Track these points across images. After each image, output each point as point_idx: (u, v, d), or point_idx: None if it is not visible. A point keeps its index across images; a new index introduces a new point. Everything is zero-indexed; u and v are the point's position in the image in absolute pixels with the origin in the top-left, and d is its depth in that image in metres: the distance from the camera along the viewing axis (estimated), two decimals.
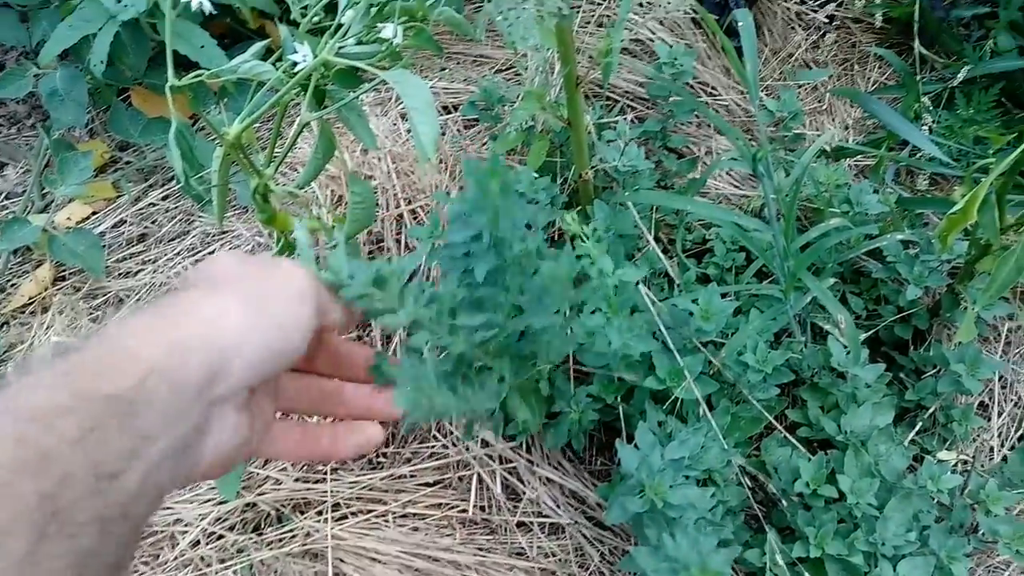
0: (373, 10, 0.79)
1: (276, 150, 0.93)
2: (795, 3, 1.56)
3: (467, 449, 0.96)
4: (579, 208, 1.10)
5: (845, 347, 0.93)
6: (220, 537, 0.98)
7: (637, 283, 1.04)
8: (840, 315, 0.90)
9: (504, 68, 1.33)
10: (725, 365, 0.88)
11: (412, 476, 1.00)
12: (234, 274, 0.39)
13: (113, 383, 0.30)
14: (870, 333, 1.07)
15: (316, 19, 0.80)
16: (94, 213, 1.33)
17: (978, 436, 1.05)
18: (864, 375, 0.91)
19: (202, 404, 0.33)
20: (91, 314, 1.19)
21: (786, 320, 0.97)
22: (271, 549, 0.96)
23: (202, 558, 0.97)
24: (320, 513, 0.99)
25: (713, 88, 1.39)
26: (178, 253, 1.22)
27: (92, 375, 0.30)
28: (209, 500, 1.01)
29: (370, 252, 1.07)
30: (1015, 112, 1.43)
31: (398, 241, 1.05)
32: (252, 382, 0.36)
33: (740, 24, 1.10)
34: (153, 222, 1.28)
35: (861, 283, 1.14)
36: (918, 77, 1.49)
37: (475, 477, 0.97)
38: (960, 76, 1.42)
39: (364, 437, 0.44)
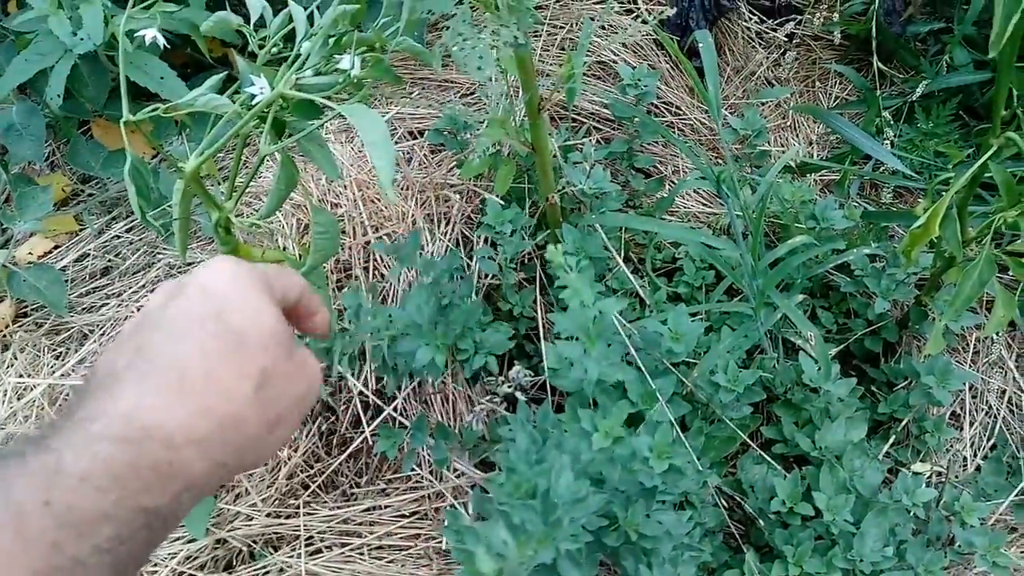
0: (331, 40, 0.79)
1: (238, 181, 0.92)
2: (755, 22, 1.58)
3: (441, 479, 0.94)
4: (547, 231, 1.10)
5: (816, 362, 0.93)
6: None
7: None
8: (809, 332, 0.90)
9: (469, 93, 1.33)
10: (697, 386, 0.88)
11: (388, 508, 0.98)
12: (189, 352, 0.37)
13: (154, 498, 0.33)
14: (841, 347, 1.08)
15: (275, 50, 0.79)
16: (56, 247, 1.30)
17: (951, 447, 1.05)
18: (836, 390, 0.91)
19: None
20: (54, 351, 1.16)
21: (757, 337, 0.98)
22: None
23: None
24: (294, 548, 0.96)
25: (677, 107, 1.40)
26: (143, 286, 1.19)
27: (137, 488, 0.32)
28: (178, 539, 0.99)
29: (338, 281, 1.05)
30: (973, 124, 1.45)
31: (366, 269, 1.04)
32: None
33: (701, 45, 1.11)
34: (117, 255, 1.26)
35: (830, 297, 1.15)
36: (878, 92, 1.52)
37: (448, 510, 0.95)
38: (919, 91, 1.45)
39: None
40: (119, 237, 1.28)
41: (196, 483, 0.34)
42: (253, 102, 0.73)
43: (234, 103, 0.74)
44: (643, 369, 0.85)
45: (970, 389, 1.10)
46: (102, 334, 1.14)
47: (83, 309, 1.19)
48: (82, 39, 1.08)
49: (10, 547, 0.29)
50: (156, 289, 0.40)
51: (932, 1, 1.56)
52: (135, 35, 0.80)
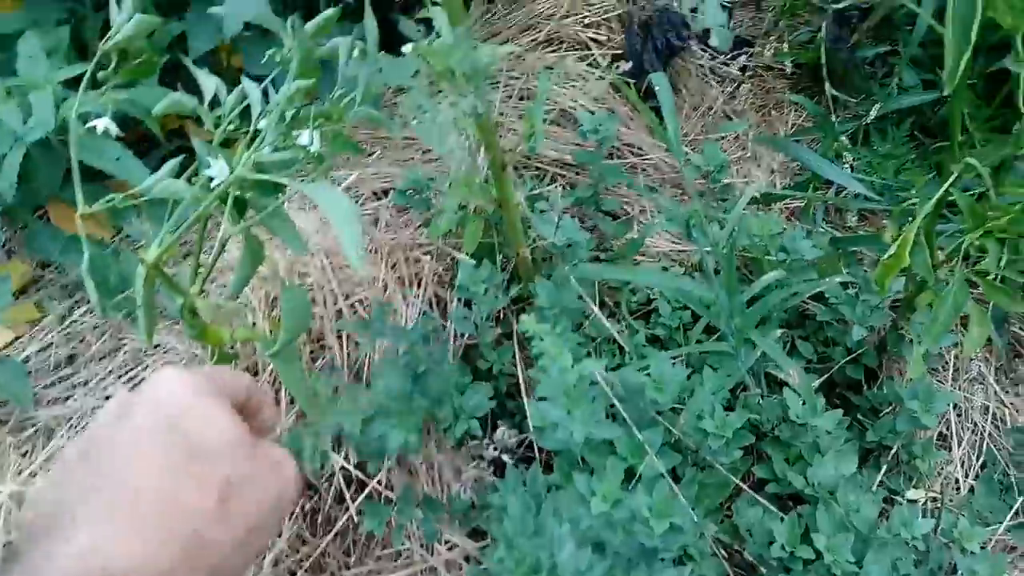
0: (288, 115, 0.78)
1: (202, 260, 0.90)
2: (707, 59, 1.61)
3: (433, 553, 0.91)
4: (521, 284, 1.09)
5: (801, 397, 0.92)
6: None
7: (589, 354, 1.03)
8: (791, 368, 0.89)
9: (431, 150, 1.32)
10: (685, 433, 0.87)
11: None
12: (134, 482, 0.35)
13: None
14: (823, 377, 1.08)
15: (231, 127, 0.78)
16: (17, 338, 1.26)
17: (942, 469, 1.05)
18: (823, 424, 0.90)
19: None
20: (19, 448, 1.12)
21: (740, 376, 0.97)
22: None
23: None
24: None
25: (639, 148, 1.41)
26: (110, 372, 1.16)
27: None
28: None
29: (311, 352, 1.03)
30: (929, 143, 1.48)
31: (339, 338, 1.02)
32: None
33: (657, 88, 1.13)
34: (81, 341, 1.22)
35: (807, 327, 1.15)
36: (833, 117, 1.54)
37: None
38: (872, 114, 1.48)
39: None
40: (82, 322, 1.24)
41: None
42: (212, 184, 0.71)
43: (192, 184, 0.73)
44: (628, 422, 0.84)
45: (954, 408, 1.10)
46: (69, 427, 1.10)
47: (49, 402, 1.15)
48: (32, 126, 1.06)
49: None
50: (97, 413, 0.38)
51: (877, 26, 1.60)
52: (87, 121, 0.78)
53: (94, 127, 0.78)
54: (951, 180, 0.79)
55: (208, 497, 0.34)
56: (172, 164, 0.75)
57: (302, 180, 0.67)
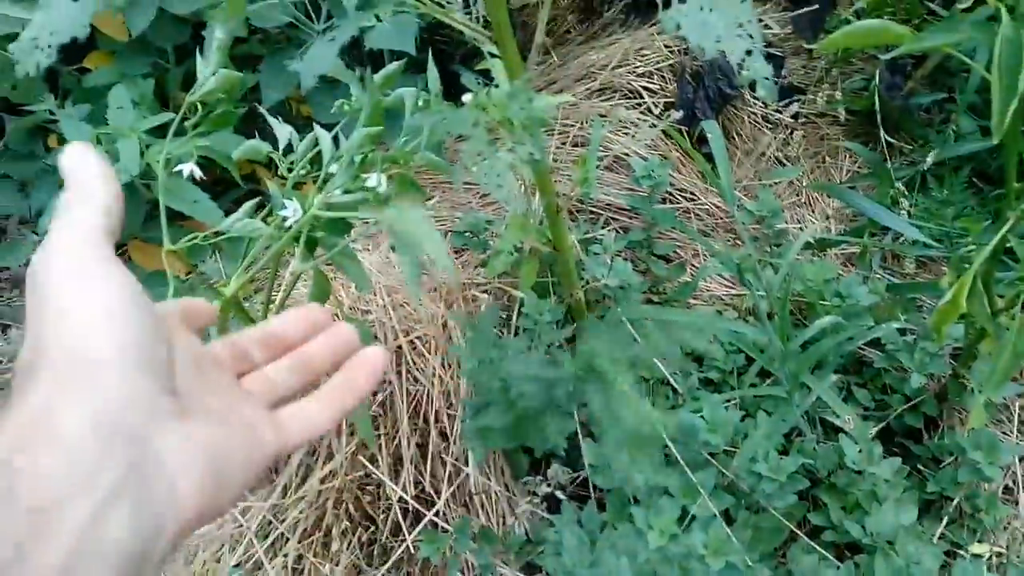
0: (357, 159, 0.83)
1: (273, 296, 0.95)
2: (760, 106, 1.63)
3: None
4: (575, 323, 1.11)
5: (857, 444, 0.91)
6: None
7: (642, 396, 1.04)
8: (847, 414, 0.89)
9: (489, 193, 1.37)
10: (739, 476, 0.87)
11: None
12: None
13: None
14: (881, 425, 1.06)
15: (302, 171, 0.83)
16: None
17: (1009, 524, 1.02)
18: (881, 472, 0.89)
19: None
20: None
21: (794, 420, 0.97)
22: None
23: None
24: None
25: (692, 193, 1.43)
26: None
27: None
28: None
29: None
30: (988, 189, 1.46)
31: (399, 374, 1.05)
32: None
33: (709, 135, 1.15)
34: None
35: (864, 373, 1.14)
36: (889, 164, 1.54)
37: None
38: (929, 160, 1.47)
39: (369, 361, 0.40)
40: None
41: None
42: (286, 224, 0.76)
43: (267, 224, 0.78)
44: (683, 463, 0.84)
45: (1021, 461, 1.07)
46: None
47: None
48: (120, 171, 1.13)
49: None
50: None
51: (931, 73, 1.60)
52: (171, 166, 0.84)
53: (179, 171, 0.85)
54: (1008, 226, 0.79)
55: None
56: (249, 205, 0.81)
57: (370, 221, 0.71)
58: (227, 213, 0.81)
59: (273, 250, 0.75)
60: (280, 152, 0.84)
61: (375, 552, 0.95)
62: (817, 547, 0.89)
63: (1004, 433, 1.10)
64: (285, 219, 0.77)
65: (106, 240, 0.32)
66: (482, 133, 0.85)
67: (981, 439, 0.93)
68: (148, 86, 1.32)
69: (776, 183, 1.53)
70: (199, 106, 0.80)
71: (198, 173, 0.85)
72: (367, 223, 1.38)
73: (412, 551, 0.93)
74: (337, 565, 0.90)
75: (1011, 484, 1.05)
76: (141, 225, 1.30)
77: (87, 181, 0.33)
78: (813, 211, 1.52)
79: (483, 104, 0.87)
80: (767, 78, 0.51)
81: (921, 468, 1.04)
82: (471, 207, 1.33)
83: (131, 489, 0.27)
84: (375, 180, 0.80)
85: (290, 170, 0.81)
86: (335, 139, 0.83)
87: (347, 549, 0.93)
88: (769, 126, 1.62)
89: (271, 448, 0.35)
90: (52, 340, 0.29)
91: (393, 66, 0.84)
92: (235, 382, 0.37)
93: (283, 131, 0.85)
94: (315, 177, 0.80)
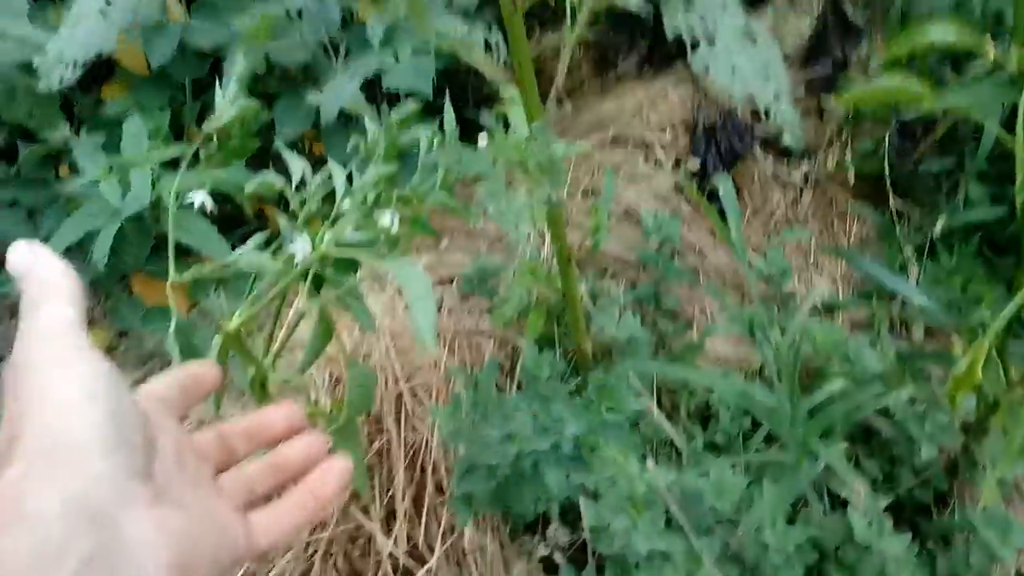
0: (371, 197, 0.82)
1: (276, 335, 0.93)
2: (770, 165, 1.64)
3: None
4: (580, 376, 1.09)
5: (865, 517, 0.89)
6: None
7: (644, 456, 1.01)
8: (856, 483, 0.87)
9: (499, 239, 1.36)
10: (744, 545, 0.84)
11: None
12: None
13: None
14: (891, 499, 1.03)
15: (315, 208, 0.82)
16: None
17: None
18: (890, 547, 0.86)
19: None
20: None
21: (801, 489, 0.94)
22: None
23: None
24: None
25: (701, 249, 1.42)
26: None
27: None
28: None
29: (368, 434, 1.04)
30: (997, 259, 1.46)
31: (398, 421, 1.03)
32: None
33: (721, 191, 1.15)
34: None
35: (872, 443, 1.11)
36: (897, 230, 1.54)
37: None
38: (938, 227, 1.47)
39: (336, 471, 0.43)
40: None
41: None
42: (295, 260, 0.75)
43: (275, 260, 0.77)
44: (685, 529, 0.82)
45: None
46: None
47: None
48: (129, 202, 1.13)
49: None
50: None
51: (942, 139, 1.61)
52: (181, 198, 0.83)
53: (191, 203, 0.84)
54: (1022, 295, 0.78)
55: None
56: (257, 239, 0.80)
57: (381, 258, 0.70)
58: (234, 248, 0.80)
59: (279, 287, 0.74)
60: (292, 188, 0.83)
61: None
62: None
63: (1017, 512, 1.07)
64: (293, 255, 0.76)
65: (81, 329, 0.34)
66: (500, 173, 0.84)
67: (994, 518, 0.90)
68: (164, 118, 1.33)
69: (784, 245, 1.53)
70: (215, 137, 0.80)
71: (210, 204, 0.84)
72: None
73: None
74: None
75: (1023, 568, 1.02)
76: (146, 259, 1.30)
77: (50, 277, 0.36)
78: (821, 274, 1.51)
79: (501, 145, 0.87)
80: (793, 124, 0.51)
81: (931, 546, 1.01)
82: (481, 254, 1.32)
83: (96, 571, 0.27)
84: (387, 219, 0.79)
85: (302, 205, 0.81)
86: (348, 177, 0.82)
87: None
88: (779, 186, 1.62)
89: (240, 552, 0.36)
90: (30, 420, 0.30)
91: (411, 105, 0.83)
92: (213, 479, 0.39)
93: (297, 165, 0.85)
94: (326, 215, 0.80)
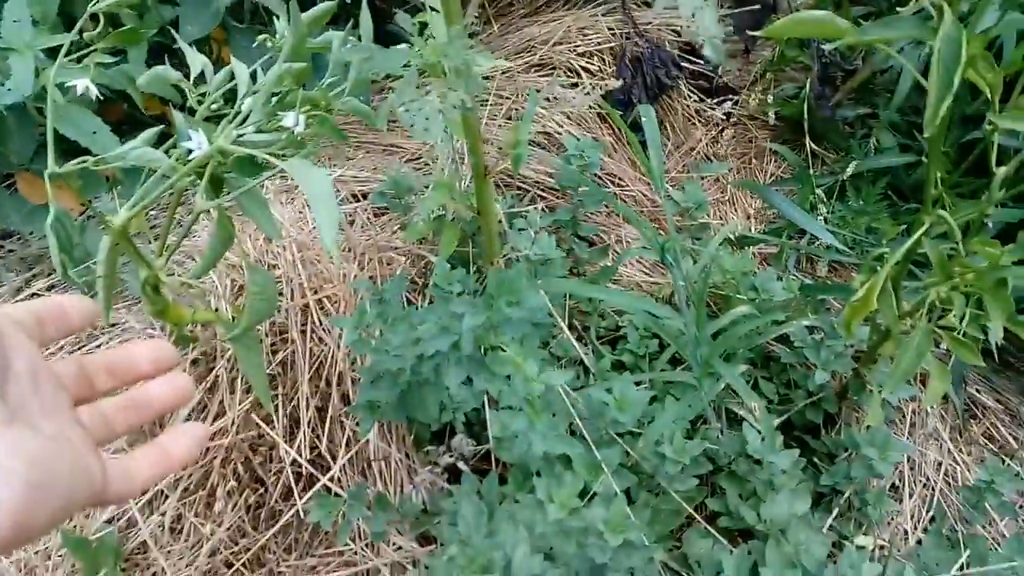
0: (274, 98, 0.77)
1: (170, 238, 0.88)
2: (695, 101, 1.64)
3: (378, 554, 0.89)
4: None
5: (760, 433, 0.92)
6: None
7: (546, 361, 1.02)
8: (754, 403, 0.90)
9: (414, 158, 1.32)
10: (643, 457, 0.86)
11: None
12: None
13: None
14: (783, 418, 1.08)
15: (215, 106, 0.77)
16: None
17: (892, 519, 1.05)
18: (780, 462, 0.90)
19: None
20: None
21: (701, 407, 0.97)
22: None
23: None
24: None
25: (620, 179, 1.43)
26: (61, 347, 1.12)
27: None
28: None
29: (272, 344, 1.01)
30: (901, 204, 1.52)
31: (303, 332, 1.00)
32: None
33: (644, 119, 1.14)
34: None
35: (771, 368, 1.16)
36: (811, 171, 1.58)
37: None
38: (849, 171, 1.51)
39: (192, 435, 0.42)
40: (39, 295, 1.21)
41: None
42: (190, 157, 0.70)
43: (169, 158, 0.72)
44: (588, 440, 0.83)
45: (908, 461, 1.11)
46: None
47: None
48: (9, 89, 1.03)
49: None
50: None
51: (859, 88, 1.65)
52: (67, 87, 0.77)
53: (75, 91, 0.77)
54: (923, 229, 0.81)
55: None
56: (149, 133, 0.74)
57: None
58: None
59: (173, 180, 0.69)
60: (191, 83, 0.77)
61: (262, 515, 0.90)
62: (713, 532, 0.89)
63: (895, 434, 1.14)
64: (189, 152, 0.71)
65: None
66: (414, 74, 0.80)
67: (876, 436, 0.95)
68: (52, 4, 1.21)
69: (703, 178, 1.55)
70: (104, 20, 0.73)
71: (94, 91, 0.77)
72: (284, 178, 1.31)
73: (302, 516, 0.89)
74: (219, 526, 0.85)
75: (897, 482, 1.09)
76: (32, 156, 1.20)
77: None
78: (735, 210, 1.54)
79: (419, 45, 0.83)
80: (715, 37, 0.49)
81: (817, 462, 1.06)
82: (395, 170, 1.28)
83: None
84: (292, 119, 0.74)
85: (200, 103, 0.75)
86: (253, 76, 0.77)
87: (231, 510, 0.88)
88: (701, 121, 1.63)
89: (96, 488, 0.34)
90: None
91: (325, 5, 0.78)
92: (70, 407, 0.36)
93: (196, 60, 0.79)
94: (226, 115, 0.75)
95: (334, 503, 0.81)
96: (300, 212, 1.12)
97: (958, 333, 0.90)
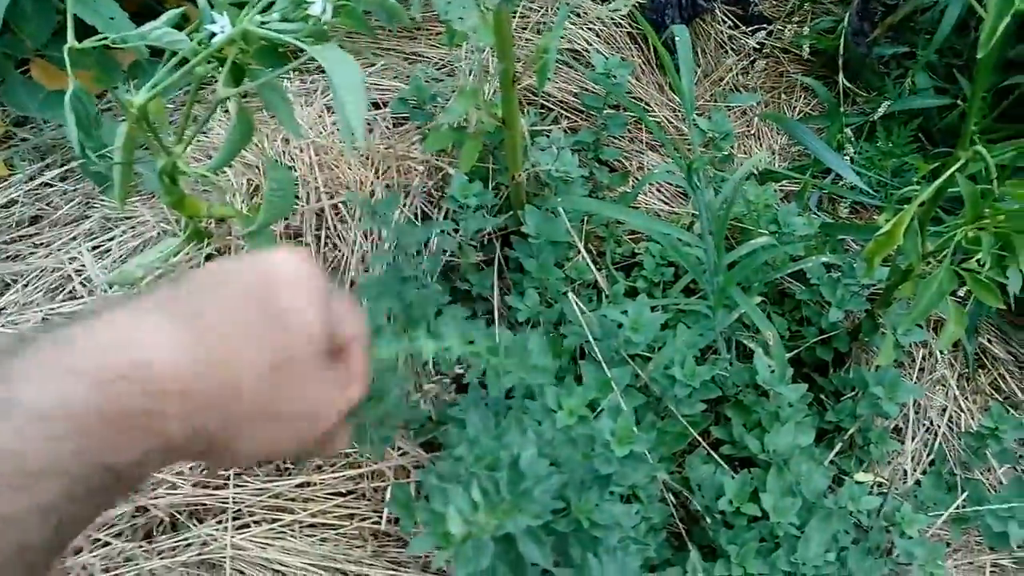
0: None
1: (189, 129, 0.86)
2: (728, 27, 1.59)
3: (382, 457, 0.90)
4: (509, 213, 1.07)
5: (770, 366, 0.92)
6: (106, 544, 0.89)
7: (566, 292, 1.02)
8: (768, 332, 0.89)
9: (438, 67, 1.29)
10: (652, 379, 0.86)
11: (323, 484, 0.94)
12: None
13: (118, 455, 0.27)
14: (792, 353, 1.08)
15: None
16: None
17: (893, 459, 1.06)
18: (787, 394, 0.90)
19: None
20: None
21: (712, 337, 0.97)
22: (163, 559, 0.88)
23: (84, 567, 0.88)
24: (220, 521, 0.91)
25: (647, 103, 1.39)
26: (74, 238, 1.12)
27: (100, 441, 0.27)
28: None
29: None
30: (930, 148, 1.48)
31: (317, 237, 0.99)
32: None
33: (678, 39, 1.10)
34: (48, 204, 1.18)
35: (785, 304, 1.15)
36: (842, 109, 1.54)
37: (390, 488, 0.91)
38: (880, 110, 1.47)
39: None
40: (51, 185, 1.20)
41: (170, 446, 0.29)
42: (212, 40, 0.68)
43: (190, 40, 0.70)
44: (600, 358, 0.83)
45: (914, 404, 1.11)
46: (25, 284, 1.06)
47: (7, 257, 1.11)
48: None
49: None
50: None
51: (898, 26, 1.59)
52: None
53: None
54: (958, 164, 0.79)
55: (265, 355, 0.31)
56: (172, 14, 0.72)
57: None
58: None
59: (194, 62, 0.67)
60: None
61: None
62: (716, 457, 0.90)
63: (903, 378, 1.14)
64: (212, 36, 0.68)
65: None
66: None
67: (885, 376, 0.95)
68: None
69: (730, 109, 1.51)
70: None
71: None
72: (303, 80, 1.28)
73: None
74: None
75: (901, 425, 1.10)
76: (48, 43, 1.17)
77: None
78: (760, 144, 1.51)
79: None
80: None
81: (823, 399, 1.07)
82: (419, 77, 1.25)
83: None
84: (319, 7, 0.72)
85: None
86: None
87: None
88: (733, 50, 1.58)
89: None
90: None
91: None
92: None
93: None
94: (250, 1, 0.72)
95: None
96: (320, 115, 1.09)
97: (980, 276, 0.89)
